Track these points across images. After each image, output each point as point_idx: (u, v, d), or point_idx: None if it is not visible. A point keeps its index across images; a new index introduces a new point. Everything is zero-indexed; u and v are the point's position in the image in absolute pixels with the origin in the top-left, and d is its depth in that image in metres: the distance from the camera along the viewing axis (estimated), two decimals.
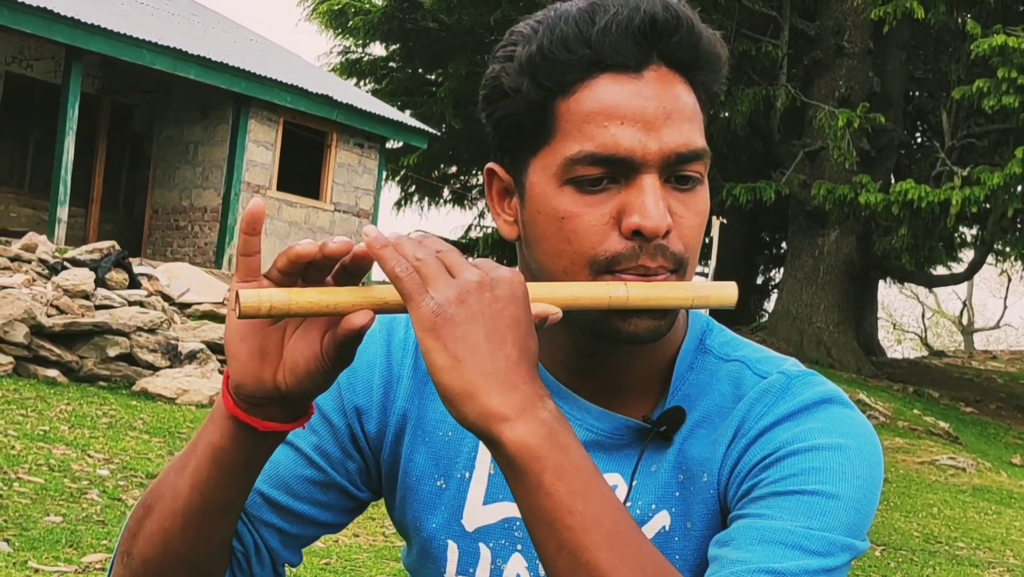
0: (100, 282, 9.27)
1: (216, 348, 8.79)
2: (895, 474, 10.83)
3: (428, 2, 21.05)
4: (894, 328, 43.93)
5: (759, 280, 26.41)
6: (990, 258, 23.73)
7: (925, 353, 33.45)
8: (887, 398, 16.30)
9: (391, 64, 23.64)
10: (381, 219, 19.32)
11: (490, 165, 1.19)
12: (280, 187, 16.41)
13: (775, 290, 24.37)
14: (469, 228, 25.34)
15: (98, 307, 8.62)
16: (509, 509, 1.20)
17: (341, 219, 17.08)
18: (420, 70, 23.69)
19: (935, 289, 36.79)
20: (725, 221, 17.51)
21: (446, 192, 24.62)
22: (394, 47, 23.29)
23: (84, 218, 16.79)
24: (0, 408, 6.72)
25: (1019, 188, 16.78)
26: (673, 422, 1.17)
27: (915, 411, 15.59)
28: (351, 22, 21.88)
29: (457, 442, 1.23)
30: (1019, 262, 22.42)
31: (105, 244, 10.16)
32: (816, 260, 20.04)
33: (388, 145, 18.44)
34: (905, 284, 31.95)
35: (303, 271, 1.02)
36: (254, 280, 1.02)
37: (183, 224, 16.46)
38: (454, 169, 24.90)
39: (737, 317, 21.97)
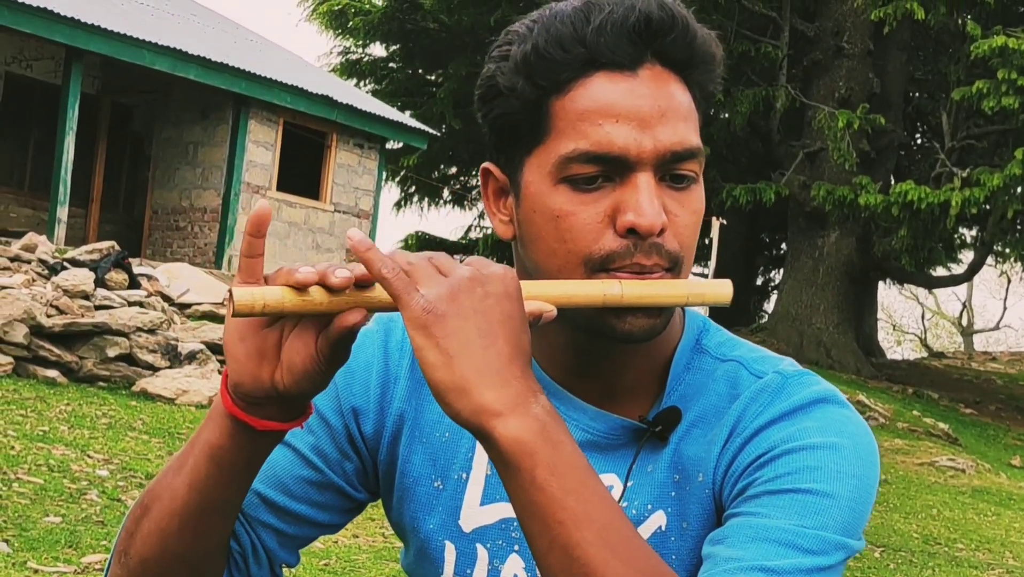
0: (100, 282, 9.27)
1: (216, 348, 8.79)
2: (894, 475, 10.83)
3: (428, 3, 21.06)
4: (894, 329, 43.94)
5: (759, 281, 26.41)
6: (990, 259, 23.74)
7: (925, 354, 33.44)
8: (887, 399, 16.31)
9: (391, 65, 23.65)
10: (381, 219, 19.32)
11: (486, 165, 1.19)
12: (280, 187, 16.41)
13: (775, 291, 24.38)
14: (469, 229, 25.36)
15: (98, 307, 8.62)
16: (506, 510, 1.20)
17: (341, 219, 17.08)
18: (420, 71, 23.70)
19: (935, 290, 36.81)
20: (725, 222, 17.53)
21: (446, 193, 24.62)
22: (394, 48, 23.29)
23: (84, 218, 16.79)
24: (0, 408, 6.73)
25: (1019, 189, 16.79)
26: (669, 422, 1.17)
27: (914, 412, 15.59)
28: (351, 23, 21.89)
29: (454, 443, 1.23)
30: (1019, 263, 22.42)
31: (105, 244, 10.16)
32: (816, 261, 20.04)
33: (388, 146, 18.44)
34: (905, 285, 31.95)
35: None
36: (255, 282, 1.02)
37: (183, 224, 16.46)
38: (454, 170, 24.91)
39: (737, 318, 21.97)
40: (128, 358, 8.41)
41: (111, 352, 8.29)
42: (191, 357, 8.63)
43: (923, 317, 43.52)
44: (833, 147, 18.67)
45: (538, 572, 1.02)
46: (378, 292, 1.00)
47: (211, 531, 1.14)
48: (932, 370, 23.20)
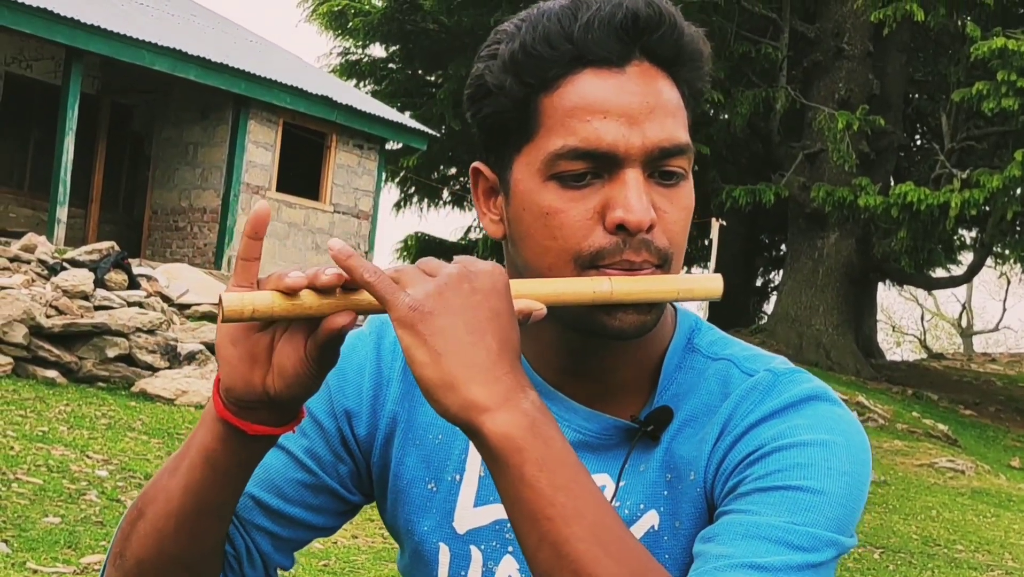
0: (99, 283, 9.27)
1: (215, 349, 8.79)
2: (894, 477, 10.84)
3: (428, 4, 21.06)
4: (893, 330, 43.94)
5: (758, 282, 26.43)
6: (989, 261, 23.75)
7: (924, 356, 33.45)
8: (886, 400, 16.31)
9: (391, 65, 23.65)
10: (381, 220, 19.33)
11: (475, 164, 1.19)
12: (280, 188, 16.42)
13: (774, 292, 24.38)
14: (469, 229, 25.38)
15: (97, 308, 8.62)
16: (500, 511, 1.19)
17: (340, 220, 17.08)
18: (420, 71, 23.70)
19: (934, 291, 36.78)
20: (725, 223, 17.54)
21: (445, 193, 24.62)
22: (394, 48, 23.30)
23: (83, 219, 16.79)
24: None
25: (1018, 191, 16.80)
26: (660, 421, 1.17)
27: (914, 413, 15.59)
28: (351, 23, 21.89)
29: (447, 445, 1.22)
30: (1018, 265, 22.42)
31: (104, 245, 10.16)
32: (815, 262, 20.05)
33: (388, 146, 18.44)
34: (904, 286, 31.96)
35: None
36: (249, 286, 1.02)
37: (182, 225, 16.46)
38: (454, 170, 24.91)
39: (736, 319, 21.97)
40: (127, 358, 8.41)
41: (110, 352, 8.29)
42: (190, 358, 8.63)
43: (922, 318, 43.55)
44: (833, 148, 18.68)
45: (529, 569, 1.02)
46: (366, 295, 1.01)
47: (206, 533, 1.14)
48: (931, 371, 23.21)
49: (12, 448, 5.87)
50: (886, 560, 7.02)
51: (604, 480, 1.18)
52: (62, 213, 14.20)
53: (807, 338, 19.65)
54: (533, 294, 1.05)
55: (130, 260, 10.30)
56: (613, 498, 1.17)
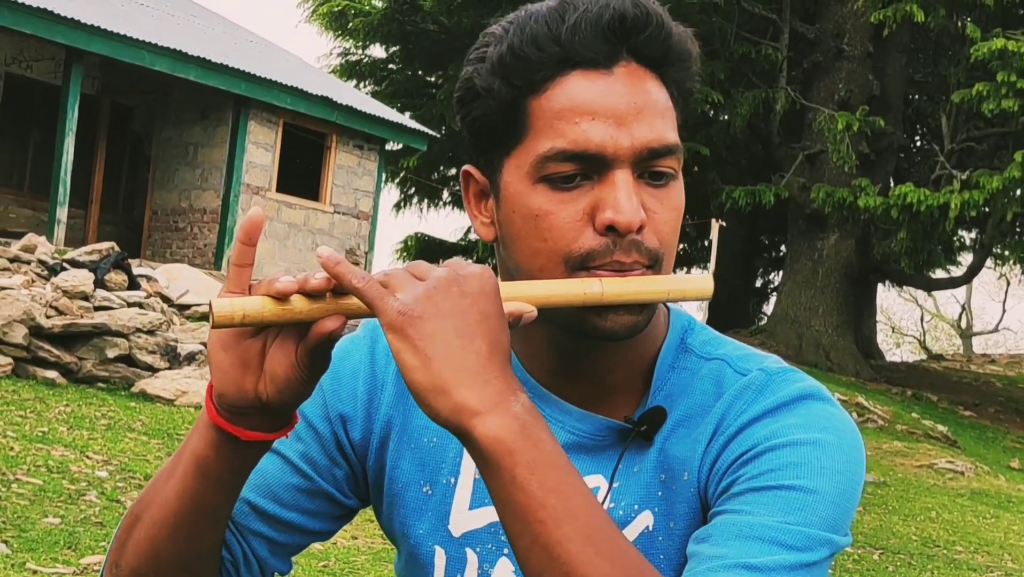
0: (99, 283, 9.27)
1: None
2: (893, 477, 10.84)
3: (428, 4, 21.06)
4: (893, 331, 43.94)
5: (758, 283, 26.42)
6: (989, 262, 23.74)
7: (924, 357, 33.44)
8: (886, 401, 16.31)
9: (391, 66, 23.65)
10: (380, 221, 19.32)
11: (466, 167, 1.19)
12: (280, 189, 16.42)
13: (774, 293, 24.37)
14: (468, 230, 25.36)
15: (97, 308, 8.62)
16: (495, 513, 1.19)
17: (340, 221, 17.08)
18: (420, 72, 23.70)
19: (934, 293, 36.79)
20: (724, 224, 17.53)
21: (445, 194, 24.62)
22: (394, 49, 23.29)
23: (83, 219, 16.79)
24: None
25: (1018, 192, 16.80)
26: (654, 422, 1.17)
27: (913, 414, 15.59)
28: (351, 24, 21.89)
29: (442, 448, 1.22)
30: (1018, 266, 22.41)
31: (104, 245, 10.16)
32: (815, 263, 20.05)
33: (388, 147, 18.44)
34: (904, 287, 31.97)
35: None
36: (241, 292, 1.03)
37: (182, 225, 16.46)
38: (454, 171, 24.88)
39: (736, 320, 21.97)
40: (127, 359, 8.41)
41: (110, 353, 8.29)
42: (190, 358, 8.63)
43: (922, 319, 43.55)
44: (833, 149, 18.68)
45: (521, 571, 1.02)
46: (356, 299, 1.01)
47: (202, 539, 1.15)
48: (931, 372, 23.20)
49: (12, 449, 5.87)
50: (885, 561, 7.02)
51: (598, 481, 1.17)
52: (62, 213, 14.20)
53: (807, 339, 19.65)
54: (524, 296, 1.05)
55: (130, 260, 10.30)
56: (607, 499, 1.17)
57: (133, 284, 9.84)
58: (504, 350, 1.00)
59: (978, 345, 40.74)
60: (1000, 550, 8.09)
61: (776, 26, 20.17)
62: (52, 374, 7.91)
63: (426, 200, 24.81)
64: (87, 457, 6.01)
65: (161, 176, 16.76)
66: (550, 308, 1.07)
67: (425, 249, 23.87)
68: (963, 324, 41.39)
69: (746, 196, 19.22)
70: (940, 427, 14.84)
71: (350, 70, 23.36)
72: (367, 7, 22.03)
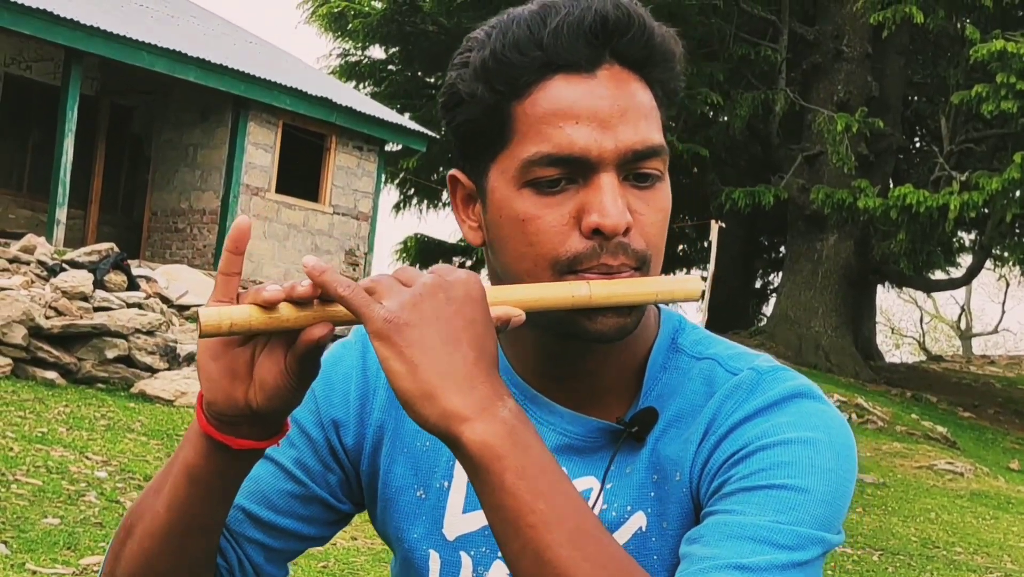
0: (99, 284, 9.27)
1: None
2: (893, 479, 10.84)
3: (427, 5, 21.06)
4: (892, 333, 43.94)
5: (757, 284, 26.43)
6: (988, 263, 23.75)
7: (923, 358, 33.45)
8: (885, 402, 16.32)
9: (390, 67, 23.65)
10: (380, 221, 19.30)
11: (452, 172, 1.19)
12: (279, 189, 16.41)
13: (773, 294, 24.38)
14: None
15: (96, 309, 8.63)
16: None
17: (340, 222, 17.08)
18: (419, 73, 23.70)
19: (933, 294, 36.79)
20: (724, 225, 17.52)
21: (445, 195, 24.62)
22: (393, 50, 23.29)
23: (83, 220, 16.78)
24: None
25: (1017, 193, 16.79)
26: (645, 423, 1.17)
27: (913, 416, 15.59)
28: (350, 25, 21.89)
29: (435, 451, 1.22)
30: (1017, 267, 22.42)
31: (104, 246, 10.16)
32: (815, 264, 20.05)
33: (387, 148, 18.44)
34: (903, 289, 31.97)
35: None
36: (229, 300, 1.03)
37: (182, 226, 16.46)
38: None
39: (735, 321, 21.98)
40: (127, 360, 8.41)
41: (110, 354, 8.29)
42: (190, 359, 8.63)
43: (921, 320, 43.56)
44: (832, 150, 18.68)
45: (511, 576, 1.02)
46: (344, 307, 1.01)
47: (195, 550, 1.14)
48: (931, 373, 23.21)
49: (11, 449, 5.87)
50: (885, 562, 7.02)
51: (590, 482, 1.17)
52: (61, 214, 14.20)
53: (806, 340, 19.65)
54: (511, 300, 1.05)
55: (129, 261, 10.30)
56: (599, 500, 1.17)
57: (132, 285, 9.85)
58: (491, 355, 1.00)
59: (977, 346, 40.78)
60: (999, 551, 8.09)
61: (775, 27, 20.17)
62: (51, 375, 7.90)
63: (425, 201, 24.82)
64: (86, 458, 6.01)
65: (160, 177, 16.75)
66: (539, 312, 1.07)
67: (424, 250, 23.87)
68: (962, 325, 41.41)
69: (745, 197, 19.22)
70: (939, 428, 14.84)
71: (350, 71, 23.37)
72: (367, 8, 22.03)
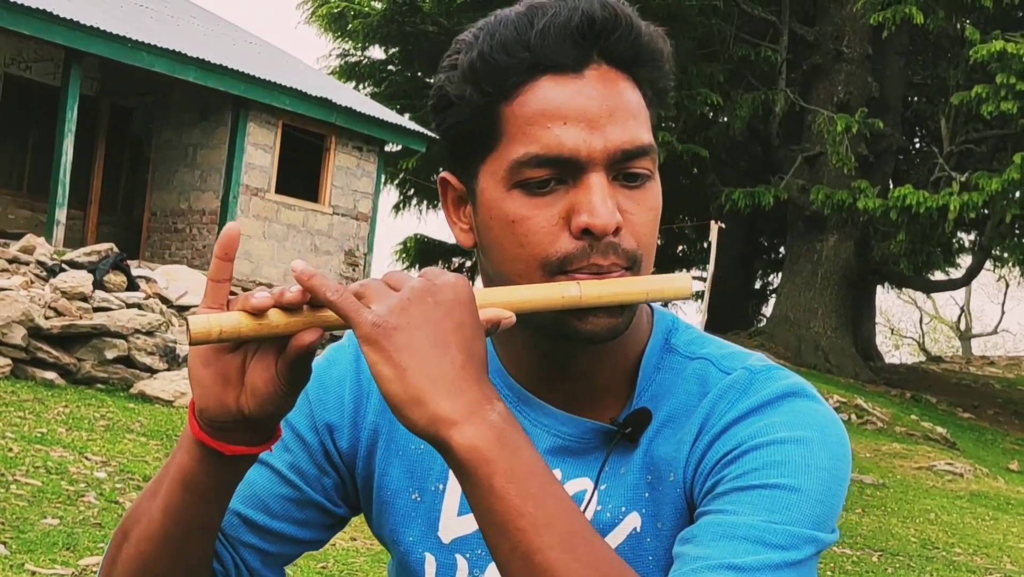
0: (98, 284, 9.26)
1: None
2: (892, 479, 10.84)
3: (427, 6, 21.06)
4: (892, 333, 43.95)
5: (757, 285, 26.43)
6: (988, 264, 23.75)
7: (923, 358, 33.45)
8: (885, 403, 16.31)
9: (390, 67, 23.65)
10: (380, 222, 19.30)
11: (443, 175, 1.19)
12: (279, 190, 16.41)
13: (773, 295, 24.38)
14: None
15: (96, 309, 8.62)
16: None
17: (340, 222, 17.08)
18: (419, 73, 23.70)
19: (933, 294, 36.81)
20: (724, 226, 17.52)
21: None
22: (393, 50, 23.30)
23: (82, 220, 16.78)
24: None
25: (1017, 194, 16.79)
26: (639, 423, 1.17)
27: (912, 416, 15.59)
28: (350, 25, 21.89)
29: (430, 454, 1.22)
30: (1017, 268, 22.42)
31: (103, 246, 10.15)
32: (814, 265, 20.05)
33: (387, 148, 18.44)
34: (903, 289, 31.97)
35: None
36: (219, 307, 1.03)
37: (181, 227, 16.46)
38: None
39: (735, 322, 21.98)
40: (126, 360, 8.41)
41: (109, 354, 8.29)
42: None
43: (921, 321, 43.55)
44: (832, 151, 18.68)
45: None
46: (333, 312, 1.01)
47: (191, 555, 1.15)
48: (930, 374, 23.20)
49: (11, 450, 5.86)
50: (884, 563, 7.02)
51: (584, 484, 1.17)
52: (61, 214, 14.19)
53: (806, 341, 19.65)
54: (501, 302, 1.05)
55: (129, 262, 10.29)
56: (594, 502, 1.17)
57: (132, 285, 9.84)
58: (480, 358, 1.00)
59: (977, 347, 40.78)
60: (999, 552, 8.09)
61: (775, 28, 20.17)
62: (51, 375, 7.90)
63: (425, 201, 24.82)
64: (86, 458, 6.01)
65: (160, 177, 16.75)
66: (530, 313, 1.07)
67: (424, 251, 23.87)
68: (962, 326, 41.41)
69: (745, 198, 19.22)
70: (939, 429, 14.84)
71: (349, 71, 23.37)
72: (366, 8, 22.03)
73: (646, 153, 1.11)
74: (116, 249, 10.19)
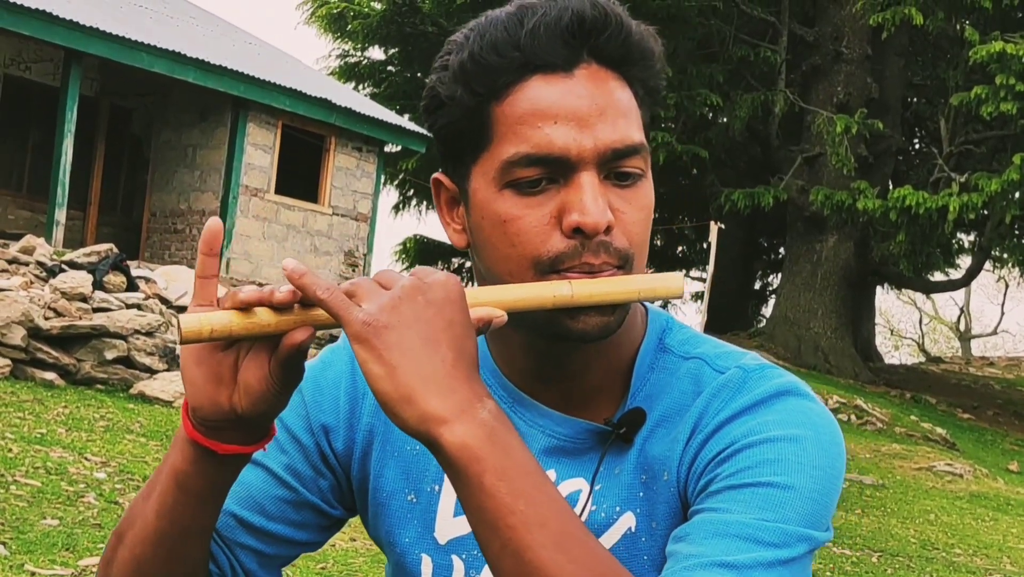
0: (98, 285, 9.26)
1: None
2: (892, 480, 10.84)
3: (427, 6, 21.07)
4: (892, 334, 43.96)
5: (757, 285, 26.43)
6: (987, 264, 23.76)
7: (922, 359, 33.46)
8: (884, 404, 16.31)
9: (390, 68, 23.66)
10: (379, 222, 19.29)
11: (436, 175, 1.19)
12: (278, 190, 16.42)
13: (773, 296, 24.38)
14: None
15: (96, 310, 8.62)
16: None
17: (339, 223, 17.08)
18: (419, 74, 23.69)
19: (932, 295, 36.80)
20: (723, 226, 17.53)
21: None
22: (393, 51, 23.30)
23: (82, 221, 16.78)
24: None
25: (1017, 194, 16.80)
26: (633, 423, 1.17)
27: (912, 417, 15.59)
28: (350, 26, 21.90)
29: (425, 455, 1.22)
30: (1016, 268, 22.43)
31: (103, 247, 10.15)
32: (814, 266, 20.06)
33: (387, 149, 18.44)
34: (903, 290, 31.97)
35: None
36: (209, 305, 1.03)
37: (181, 227, 16.46)
38: None
39: (735, 322, 21.98)
40: (126, 360, 8.41)
41: (109, 354, 8.28)
42: None
43: (921, 322, 43.55)
44: (831, 152, 18.69)
45: None
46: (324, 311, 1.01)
47: (186, 556, 1.15)
48: (930, 375, 23.21)
49: (10, 450, 5.86)
50: (884, 564, 7.02)
51: (579, 484, 1.18)
52: (61, 215, 14.19)
53: (805, 341, 19.65)
54: (493, 301, 1.05)
55: (128, 262, 10.29)
56: (589, 502, 1.17)
57: (132, 286, 9.84)
58: (470, 357, 1.00)
59: (977, 348, 40.79)
60: (999, 553, 8.09)
61: (775, 29, 20.18)
62: (50, 376, 7.90)
63: (425, 202, 24.82)
64: (85, 459, 6.01)
65: (160, 178, 16.75)
66: (522, 312, 1.07)
67: (424, 251, 23.88)
68: (962, 327, 41.41)
69: (745, 198, 19.22)
70: (939, 430, 14.84)
71: (349, 72, 23.37)
72: (366, 9, 22.04)
73: (637, 152, 1.11)
74: (116, 250, 10.18)
